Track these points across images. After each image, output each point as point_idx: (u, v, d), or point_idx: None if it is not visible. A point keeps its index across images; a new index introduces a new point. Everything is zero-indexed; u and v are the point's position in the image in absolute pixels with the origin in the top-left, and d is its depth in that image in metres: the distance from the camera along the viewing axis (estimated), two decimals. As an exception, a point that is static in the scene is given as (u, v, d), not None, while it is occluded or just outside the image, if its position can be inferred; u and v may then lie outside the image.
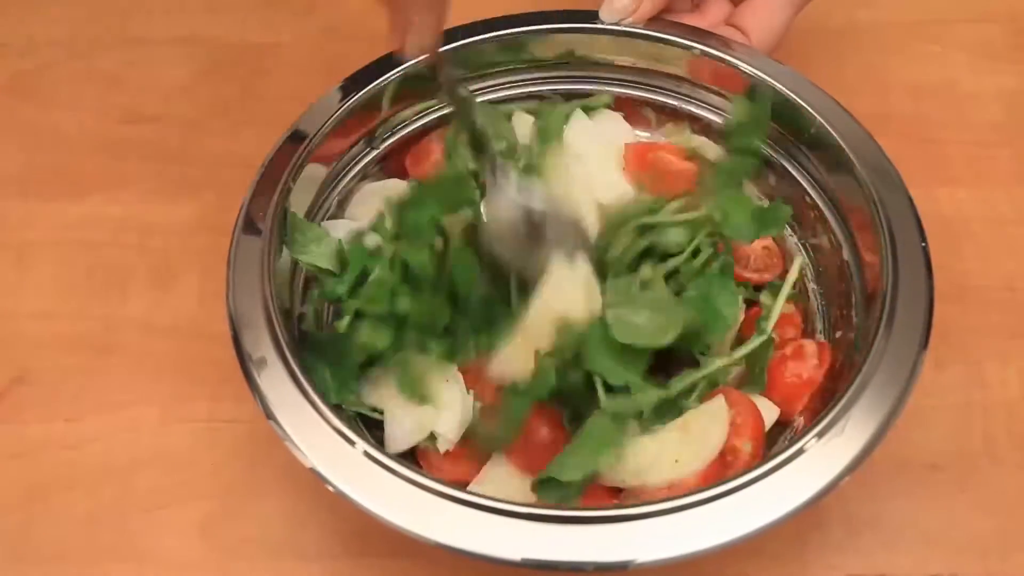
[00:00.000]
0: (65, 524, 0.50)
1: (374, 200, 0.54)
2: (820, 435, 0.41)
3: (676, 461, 0.45)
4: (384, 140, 0.55)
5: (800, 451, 0.41)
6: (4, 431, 0.53)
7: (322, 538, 0.49)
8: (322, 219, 0.53)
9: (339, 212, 0.54)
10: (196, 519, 0.50)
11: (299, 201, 0.50)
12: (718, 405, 0.47)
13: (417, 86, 0.54)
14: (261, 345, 0.44)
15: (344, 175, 0.54)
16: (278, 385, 0.43)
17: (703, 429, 0.46)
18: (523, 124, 0.55)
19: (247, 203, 0.49)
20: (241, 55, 0.67)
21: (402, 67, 0.53)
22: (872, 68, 0.63)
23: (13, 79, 0.65)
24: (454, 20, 0.54)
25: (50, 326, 0.56)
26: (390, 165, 0.56)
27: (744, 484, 0.40)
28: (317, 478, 0.41)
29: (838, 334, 0.50)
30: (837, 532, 0.49)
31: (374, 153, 0.55)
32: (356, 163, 0.55)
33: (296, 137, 0.51)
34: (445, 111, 0.56)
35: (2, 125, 0.63)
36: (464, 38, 0.54)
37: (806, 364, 0.49)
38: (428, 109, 0.56)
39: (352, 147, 0.54)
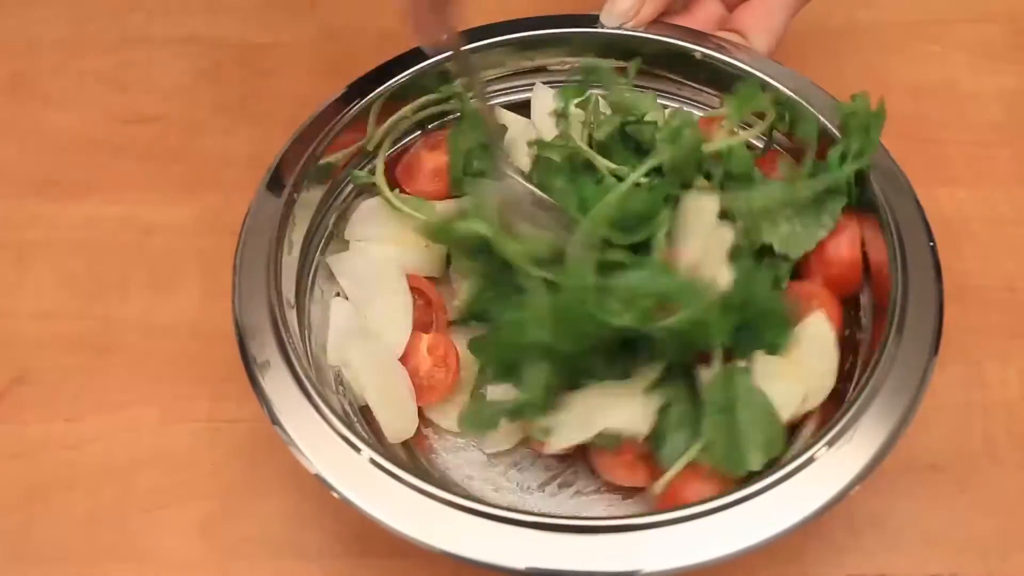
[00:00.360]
0: (65, 524, 0.50)
1: (374, 219, 0.53)
2: (830, 444, 0.41)
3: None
4: (383, 152, 0.55)
5: (810, 460, 0.41)
6: (4, 431, 0.53)
7: (323, 538, 0.49)
8: (321, 238, 0.53)
9: (336, 231, 0.54)
10: (196, 519, 0.50)
11: (299, 216, 0.50)
12: (818, 322, 0.46)
13: (415, 93, 0.54)
14: (266, 349, 0.44)
15: (342, 190, 0.54)
16: (283, 389, 0.43)
17: (813, 352, 0.46)
18: (504, 119, 0.55)
19: (253, 207, 0.48)
20: (241, 55, 0.67)
21: (399, 76, 0.53)
22: (872, 68, 0.63)
23: (13, 79, 0.65)
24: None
25: (50, 326, 0.56)
26: (388, 179, 0.55)
27: (753, 494, 0.40)
28: (320, 481, 0.41)
29: (847, 332, 0.50)
30: (838, 531, 0.49)
31: (371, 166, 0.55)
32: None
33: (301, 141, 0.51)
34: (435, 121, 0.56)
35: (2, 125, 0.63)
36: (465, 44, 0.54)
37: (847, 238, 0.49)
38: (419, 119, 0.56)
39: (350, 160, 0.54)
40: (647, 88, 0.56)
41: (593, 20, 0.55)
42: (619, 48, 0.55)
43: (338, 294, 0.53)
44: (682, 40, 0.54)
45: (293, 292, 0.49)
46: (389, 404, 0.48)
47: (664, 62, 0.55)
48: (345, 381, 0.50)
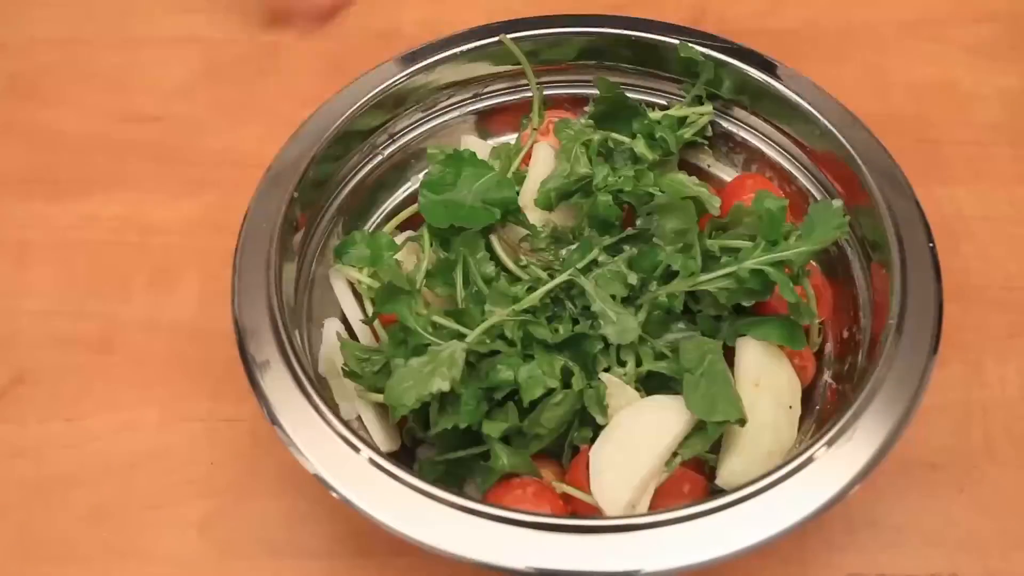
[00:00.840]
0: (65, 523, 0.50)
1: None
2: (830, 443, 0.41)
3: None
4: (385, 147, 0.55)
5: (809, 460, 0.41)
6: (4, 431, 0.53)
7: (321, 536, 0.49)
8: (321, 236, 0.53)
9: (335, 229, 0.54)
10: (195, 518, 0.50)
11: (299, 215, 0.50)
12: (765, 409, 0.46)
13: (414, 96, 0.55)
14: (265, 349, 0.44)
15: (342, 189, 0.54)
16: (282, 389, 0.43)
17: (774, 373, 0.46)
18: (473, 146, 0.55)
19: (252, 208, 0.48)
20: (241, 55, 0.67)
21: (404, 72, 0.53)
22: (872, 68, 0.63)
23: (13, 79, 0.65)
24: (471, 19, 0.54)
25: (50, 326, 0.56)
26: (391, 176, 0.56)
27: (753, 494, 0.40)
28: (318, 480, 0.41)
29: (845, 334, 0.50)
30: (837, 531, 0.49)
31: (374, 162, 0.55)
32: (356, 173, 0.54)
33: (301, 142, 0.51)
34: (442, 118, 0.56)
35: (2, 125, 0.63)
36: (480, 39, 0.54)
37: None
38: (427, 116, 0.56)
39: (353, 155, 0.54)
40: (644, 88, 0.56)
41: (601, 20, 0.55)
42: (620, 48, 0.55)
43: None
44: (683, 39, 0.54)
45: (292, 292, 0.49)
46: (380, 418, 0.48)
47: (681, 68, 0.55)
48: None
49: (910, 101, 0.62)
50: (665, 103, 0.56)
